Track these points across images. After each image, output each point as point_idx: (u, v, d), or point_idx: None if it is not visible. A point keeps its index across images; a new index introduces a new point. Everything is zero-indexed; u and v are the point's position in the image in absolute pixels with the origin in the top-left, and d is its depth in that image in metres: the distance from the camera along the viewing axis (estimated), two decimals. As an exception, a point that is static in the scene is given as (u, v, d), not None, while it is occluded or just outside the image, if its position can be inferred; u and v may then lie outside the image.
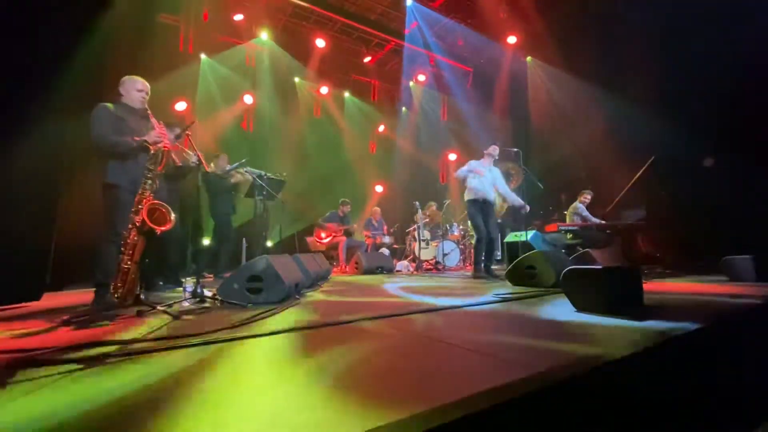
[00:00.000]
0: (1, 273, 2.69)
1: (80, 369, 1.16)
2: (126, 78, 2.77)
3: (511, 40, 8.34)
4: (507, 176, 6.08)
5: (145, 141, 2.51)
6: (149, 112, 2.63)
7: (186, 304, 2.43)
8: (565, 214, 6.08)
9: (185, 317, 2.03)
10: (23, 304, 2.74)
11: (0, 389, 1.00)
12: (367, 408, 0.82)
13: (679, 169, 5.05)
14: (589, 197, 5.91)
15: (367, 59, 9.46)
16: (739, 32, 4.66)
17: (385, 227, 7.85)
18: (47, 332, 1.76)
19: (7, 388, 1.01)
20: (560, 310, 2.07)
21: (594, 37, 6.60)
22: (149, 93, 2.78)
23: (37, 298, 2.89)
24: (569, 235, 5.68)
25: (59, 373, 1.12)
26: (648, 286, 2.80)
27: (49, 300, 2.94)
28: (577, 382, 0.99)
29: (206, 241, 5.04)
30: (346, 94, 9.79)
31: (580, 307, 2.03)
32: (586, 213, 5.72)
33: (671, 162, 5.14)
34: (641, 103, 5.65)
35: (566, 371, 1.01)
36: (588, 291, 2.00)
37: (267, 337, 1.55)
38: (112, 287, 2.28)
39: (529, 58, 8.39)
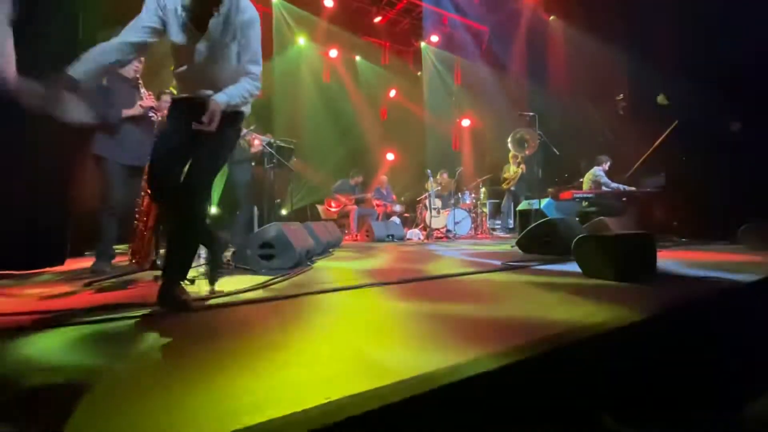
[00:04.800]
0: (28, 240, 2.81)
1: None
2: None
3: (531, -5, 7.82)
4: (521, 143, 5.88)
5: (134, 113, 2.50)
6: (140, 81, 2.59)
7: (201, 269, 2.50)
8: (582, 182, 5.92)
9: (200, 281, 2.10)
10: (48, 269, 2.87)
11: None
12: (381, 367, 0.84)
13: (703, 134, 4.80)
14: (607, 163, 5.71)
15: (377, 19, 9.03)
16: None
17: (394, 196, 7.81)
18: (70, 295, 1.84)
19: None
20: (570, 276, 2.06)
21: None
22: (142, 62, 2.70)
23: (61, 263, 3.02)
24: (585, 203, 5.56)
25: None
26: (663, 254, 2.75)
27: (72, 265, 3.06)
28: (579, 348, 0.99)
29: (213, 209, 5.09)
30: (357, 58, 9.44)
31: (591, 274, 2.01)
32: (605, 179, 5.55)
33: (695, 127, 4.88)
34: (666, 64, 5.30)
35: (567, 338, 1.01)
36: (599, 258, 1.97)
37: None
38: (129, 253, 2.36)
39: (552, 17, 7.87)
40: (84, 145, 3.58)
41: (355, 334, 1.15)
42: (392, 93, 10.06)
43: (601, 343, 1.06)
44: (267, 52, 8.14)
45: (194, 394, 0.73)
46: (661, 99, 4.70)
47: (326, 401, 0.65)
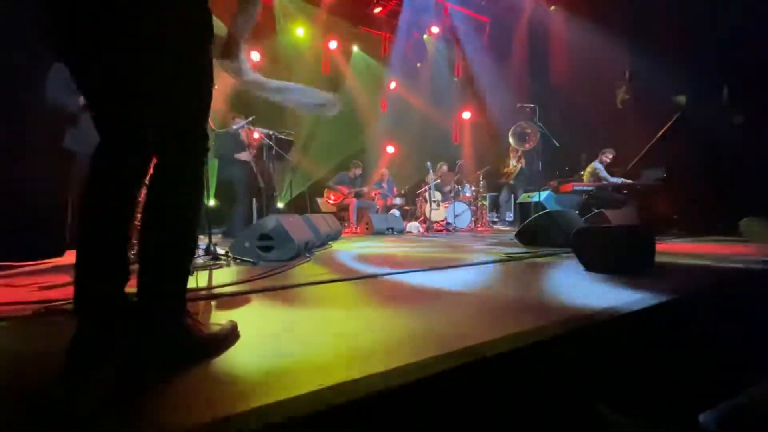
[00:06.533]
0: (28, 231, 2.82)
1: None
2: None
3: (533, -15, 7.72)
4: (522, 136, 5.85)
5: None
6: None
7: (199, 260, 2.51)
8: (582, 175, 5.90)
9: (198, 273, 2.10)
10: (48, 260, 2.88)
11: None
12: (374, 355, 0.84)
13: (705, 126, 4.77)
14: (610, 157, 5.68)
15: (377, 10, 8.93)
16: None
17: (395, 189, 7.79)
18: (70, 285, 1.85)
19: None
20: (567, 269, 2.06)
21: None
22: None
23: (61, 254, 3.03)
24: (585, 196, 5.55)
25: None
26: (662, 246, 2.76)
27: (72, 256, 3.08)
28: (575, 339, 1.00)
29: (211, 202, 5.06)
30: (355, 49, 9.34)
31: (589, 266, 2.02)
32: (604, 173, 5.53)
33: (697, 119, 4.86)
34: (669, 57, 5.26)
35: (562, 328, 1.01)
36: (597, 250, 1.97)
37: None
38: (131, 244, 2.36)
39: (554, 8, 7.78)
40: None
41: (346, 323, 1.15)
42: (392, 85, 9.98)
43: (597, 335, 1.07)
44: (269, 43, 8.10)
45: (187, 381, 0.74)
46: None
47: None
